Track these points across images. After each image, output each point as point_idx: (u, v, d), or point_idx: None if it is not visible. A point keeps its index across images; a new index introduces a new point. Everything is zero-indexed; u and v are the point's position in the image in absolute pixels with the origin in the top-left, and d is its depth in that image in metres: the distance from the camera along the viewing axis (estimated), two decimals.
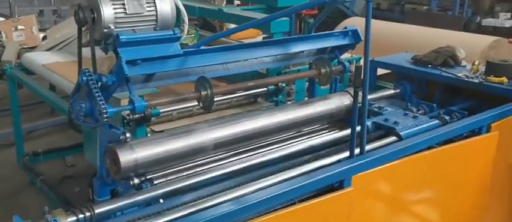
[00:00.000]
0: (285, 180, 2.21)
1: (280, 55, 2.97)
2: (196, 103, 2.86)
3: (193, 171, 2.54)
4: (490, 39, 6.04)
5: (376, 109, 3.12)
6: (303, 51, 3.08)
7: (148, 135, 2.92)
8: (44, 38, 6.61)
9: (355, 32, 3.13)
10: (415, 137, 2.50)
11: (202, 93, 2.57)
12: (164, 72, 2.54)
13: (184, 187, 2.27)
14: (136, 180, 2.35)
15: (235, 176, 2.41)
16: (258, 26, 3.59)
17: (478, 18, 9.83)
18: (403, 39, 5.94)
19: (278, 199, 1.92)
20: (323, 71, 3.07)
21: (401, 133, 2.69)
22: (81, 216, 1.98)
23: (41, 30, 6.99)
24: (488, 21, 9.60)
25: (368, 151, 2.36)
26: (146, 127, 2.98)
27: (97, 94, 2.25)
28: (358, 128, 2.37)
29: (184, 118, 3.24)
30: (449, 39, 5.69)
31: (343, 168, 2.09)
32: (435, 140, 2.50)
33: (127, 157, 2.31)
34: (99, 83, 2.32)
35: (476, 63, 3.48)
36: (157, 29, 2.47)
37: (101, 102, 2.24)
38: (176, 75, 2.62)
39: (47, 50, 5.81)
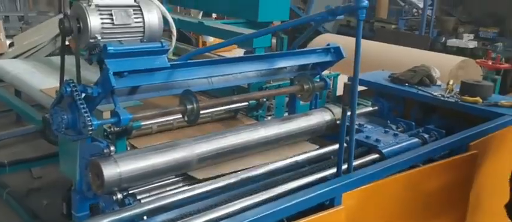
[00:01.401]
0: (274, 197, 2.20)
1: (264, 70, 2.97)
2: (177, 116, 2.84)
3: (176, 186, 2.50)
4: (457, 59, 6.25)
5: (356, 126, 3.14)
6: (286, 67, 3.10)
7: (128, 149, 2.86)
8: (11, 44, 6.43)
9: (337, 49, 3.16)
10: (401, 155, 2.53)
11: (187, 107, 2.54)
12: (149, 85, 2.50)
13: (168, 204, 2.22)
14: (119, 195, 2.29)
15: (220, 192, 2.38)
16: (243, 41, 3.59)
17: (443, 38, 10.15)
18: (376, 57, 6.06)
19: (269, 218, 1.89)
20: (306, 87, 3.09)
21: (383, 151, 2.73)
22: None
23: (6, 36, 6.79)
24: (453, 42, 9.91)
25: (354, 169, 2.37)
26: (126, 140, 2.93)
27: (82, 106, 2.19)
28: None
29: (164, 132, 3.19)
30: (419, 58, 5.85)
31: (334, 186, 2.09)
32: (419, 158, 2.55)
33: (111, 171, 2.25)
34: (83, 94, 2.26)
35: (451, 83, 3.57)
36: (144, 40, 2.43)
37: (85, 115, 2.17)
38: (161, 88, 2.58)
39: (14, 57, 5.65)
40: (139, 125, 2.87)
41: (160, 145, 2.52)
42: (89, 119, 2.18)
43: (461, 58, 6.31)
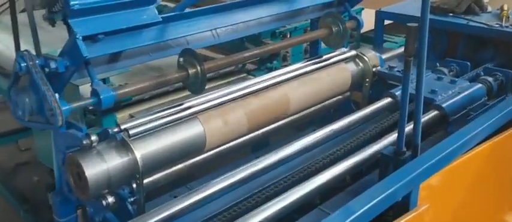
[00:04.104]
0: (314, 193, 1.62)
1: (282, 13, 2.33)
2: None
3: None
4: None
5: (399, 73, 2.52)
6: (308, 7, 2.45)
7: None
8: None
9: None
10: (484, 115, 1.92)
11: (189, 71, 1.91)
12: (135, 48, 1.87)
13: (190, 205, 1.66)
14: (110, 199, 1.72)
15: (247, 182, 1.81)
16: None
17: None
18: None
19: None
20: (335, 29, 2.45)
21: (443, 105, 2.13)
22: None
23: None
24: None
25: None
26: (115, 115, 2.32)
27: (45, 87, 1.57)
28: None
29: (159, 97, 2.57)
30: None
31: (412, 175, 1.47)
32: (505, 117, 1.94)
33: (95, 169, 1.66)
34: (47, 70, 1.64)
35: (505, 8, 2.92)
36: None
37: (50, 100, 1.57)
38: (152, 50, 1.95)
39: None
40: (129, 98, 2.26)
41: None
42: (56, 105, 1.57)
43: None
